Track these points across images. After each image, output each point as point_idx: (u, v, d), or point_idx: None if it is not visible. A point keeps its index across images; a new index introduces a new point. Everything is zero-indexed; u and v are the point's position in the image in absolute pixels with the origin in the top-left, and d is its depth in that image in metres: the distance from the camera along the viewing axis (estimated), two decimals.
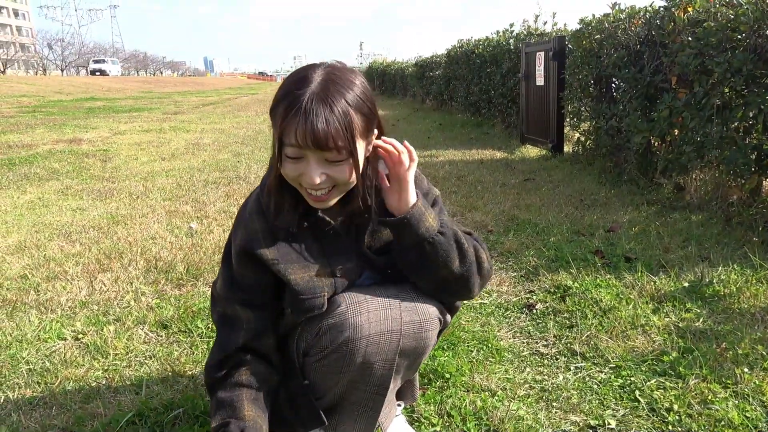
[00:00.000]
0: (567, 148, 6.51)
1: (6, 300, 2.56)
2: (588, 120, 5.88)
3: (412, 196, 1.23)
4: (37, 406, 1.78)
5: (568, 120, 6.38)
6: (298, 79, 1.11)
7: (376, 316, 1.24)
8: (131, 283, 2.73)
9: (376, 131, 1.20)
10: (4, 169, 6.13)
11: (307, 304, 1.24)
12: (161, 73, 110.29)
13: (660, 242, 3.17)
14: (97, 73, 56.43)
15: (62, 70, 65.88)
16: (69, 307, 2.49)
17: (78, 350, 2.11)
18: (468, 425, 1.60)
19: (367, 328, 1.22)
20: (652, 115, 4.40)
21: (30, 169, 6.07)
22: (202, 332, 2.22)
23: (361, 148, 1.15)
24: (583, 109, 5.96)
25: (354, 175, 1.15)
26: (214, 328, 1.36)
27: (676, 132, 4.24)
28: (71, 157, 6.89)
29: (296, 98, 1.07)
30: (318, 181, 1.12)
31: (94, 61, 64.25)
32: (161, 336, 2.23)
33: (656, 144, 4.66)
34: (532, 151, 6.87)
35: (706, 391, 1.76)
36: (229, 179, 5.43)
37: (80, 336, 2.22)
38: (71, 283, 2.73)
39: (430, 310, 1.30)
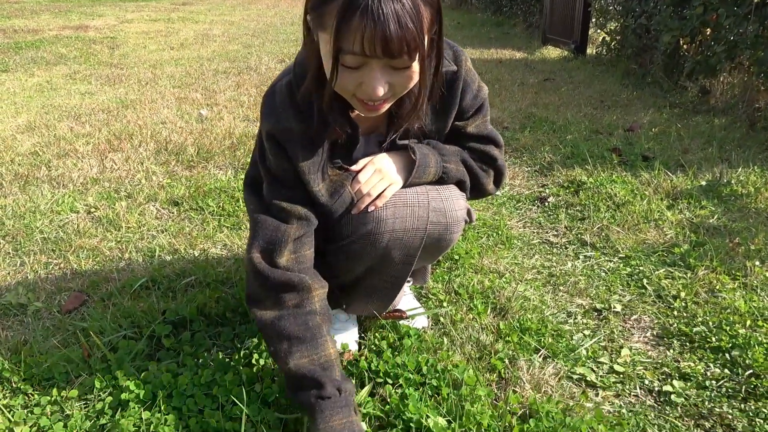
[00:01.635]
0: (590, 50, 6.22)
1: (18, 174, 2.56)
2: (615, 19, 5.57)
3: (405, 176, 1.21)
4: (53, 271, 1.81)
5: (593, 20, 6.06)
6: None
7: (402, 212, 1.18)
8: (142, 163, 2.71)
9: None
10: (10, 52, 5.99)
11: (336, 207, 1.18)
12: None
13: (680, 143, 3.08)
14: None
15: None
16: (81, 183, 2.49)
17: (91, 222, 2.13)
18: (475, 302, 1.63)
19: (391, 224, 1.18)
20: (685, 13, 4.14)
21: (37, 54, 5.93)
22: (213, 210, 2.22)
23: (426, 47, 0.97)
24: (611, 7, 5.63)
25: (415, 80, 0.99)
26: (252, 218, 1.20)
27: (708, 31, 4.01)
28: (78, 43, 6.69)
29: None
30: (382, 93, 0.96)
31: None
32: (173, 212, 2.24)
33: (685, 46, 4.43)
34: (553, 52, 6.59)
35: (715, 282, 1.76)
36: (240, 69, 5.28)
37: (92, 210, 2.23)
38: (82, 161, 2.72)
39: (458, 214, 1.24)
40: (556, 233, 2.15)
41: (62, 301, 1.64)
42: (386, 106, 1.04)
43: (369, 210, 1.18)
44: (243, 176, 2.55)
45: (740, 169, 2.64)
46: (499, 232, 2.11)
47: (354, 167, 1.19)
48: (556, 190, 2.53)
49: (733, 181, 2.51)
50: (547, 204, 2.40)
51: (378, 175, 1.19)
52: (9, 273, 1.80)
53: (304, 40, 1.04)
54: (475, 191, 1.33)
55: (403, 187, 1.21)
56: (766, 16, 3.39)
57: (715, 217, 2.20)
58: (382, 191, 1.18)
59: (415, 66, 0.96)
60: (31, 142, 3.01)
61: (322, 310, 1.16)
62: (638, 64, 4.92)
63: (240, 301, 1.56)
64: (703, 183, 2.51)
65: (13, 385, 1.29)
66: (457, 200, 1.25)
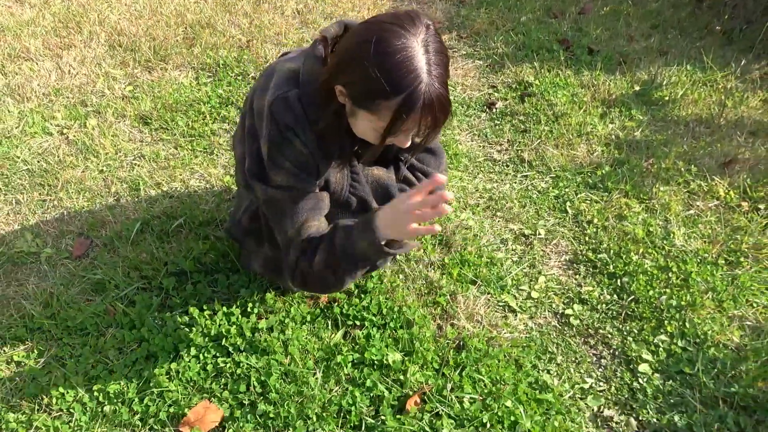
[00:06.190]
0: None
1: None
2: None
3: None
4: (48, 210, 2.01)
5: None
6: (407, 58, 1.05)
7: None
8: (99, 65, 2.71)
9: None
10: None
11: (343, 197, 1.44)
12: None
13: (627, 29, 3.21)
14: None
15: None
16: (43, 94, 2.52)
17: (68, 148, 2.26)
18: (425, 237, 1.95)
19: None
20: None
21: None
22: (184, 131, 2.36)
23: None
24: None
25: None
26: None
27: None
28: None
29: (415, 93, 1.07)
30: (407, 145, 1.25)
31: None
32: (144, 132, 2.36)
33: None
34: None
35: (624, 207, 2.11)
36: None
37: (65, 131, 2.33)
38: (38, 65, 2.70)
39: None
40: (499, 148, 2.42)
41: (68, 244, 1.88)
42: None
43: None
44: (203, 83, 2.60)
45: (674, 68, 2.86)
46: (449, 150, 2.36)
47: None
48: (505, 92, 2.72)
49: (664, 83, 2.75)
50: (495, 110, 2.62)
51: None
52: (9, 214, 1.99)
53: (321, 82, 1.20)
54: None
55: None
56: None
57: (640, 129, 2.49)
58: None
59: None
60: None
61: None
62: None
63: (226, 246, 1.84)
64: (637, 88, 2.74)
65: (55, 337, 1.61)
66: None
